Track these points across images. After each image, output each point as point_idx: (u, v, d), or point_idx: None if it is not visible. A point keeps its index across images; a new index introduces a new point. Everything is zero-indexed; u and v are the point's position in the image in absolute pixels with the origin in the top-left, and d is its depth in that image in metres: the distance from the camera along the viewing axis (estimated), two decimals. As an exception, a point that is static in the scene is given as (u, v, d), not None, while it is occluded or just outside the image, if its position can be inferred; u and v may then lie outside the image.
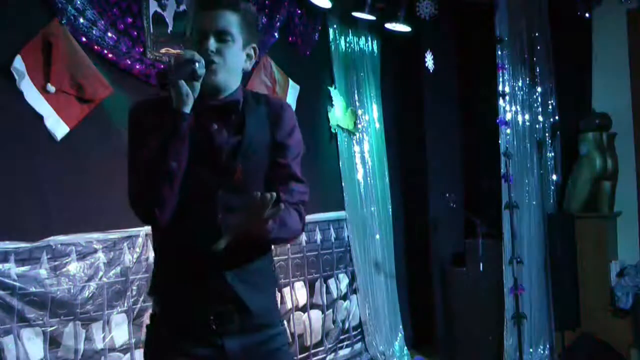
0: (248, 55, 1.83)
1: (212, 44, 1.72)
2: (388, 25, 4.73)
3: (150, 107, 1.77)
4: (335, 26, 4.74)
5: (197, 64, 1.64)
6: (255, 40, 1.84)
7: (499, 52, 4.74)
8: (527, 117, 4.78)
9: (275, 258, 4.12)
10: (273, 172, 1.82)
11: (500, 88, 4.73)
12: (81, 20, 3.06)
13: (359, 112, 4.90)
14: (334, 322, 4.57)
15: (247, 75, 3.94)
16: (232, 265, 1.74)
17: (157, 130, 1.67)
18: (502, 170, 4.58)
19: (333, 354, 4.54)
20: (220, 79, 1.74)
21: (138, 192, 1.69)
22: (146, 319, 3.28)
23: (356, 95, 4.89)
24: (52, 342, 2.88)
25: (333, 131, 4.69)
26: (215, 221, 1.70)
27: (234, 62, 1.77)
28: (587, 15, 4.73)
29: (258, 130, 1.80)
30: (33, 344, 2.81)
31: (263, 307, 1.81)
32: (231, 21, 1.74)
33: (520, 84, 4.78)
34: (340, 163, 4.73)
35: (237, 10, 1.75)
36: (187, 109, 1.65)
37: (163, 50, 3.48)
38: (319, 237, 4.51)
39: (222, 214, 1.71)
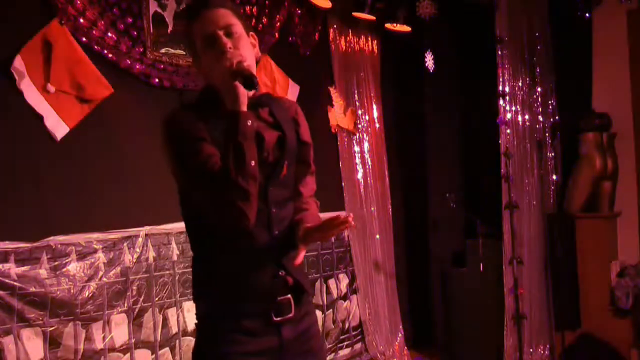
0: (252, 44, 1.87)
1: (226, 41, 1.74)
2: (388, 25, 4.73)
3: (187, 118, 1.75)
4: (335, 26, 4.74)
5: (245, 63, 1.70)
6: (251, 28, 1.89)
7: (499, 52, 4.74)
8: (527, 117, 4.77)
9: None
10: (299, 170, 1.94)
11: (500, 88, 4.73)
12: (81, 20, 3.06)
13: (359, 112, 4.90)
14: (334, 322, 4.57)
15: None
16: (285, 255, 1.82)
17: (204, 139, 1.68)
18: (502, 170, 4.58)
19: (333, 354, 4.54)
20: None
21: (225, 202, 1.64)
22: (146, 319, 3.29)
23: (356, 95, 4.89)
24: (52, 342, 2.88)
25: (333, 131, 4.69)
26: (271, 216, 1.77)
27: (250, 52, 1.82)
28: (587, 15, 4.73)
29: (289, 127, 1.89)
30: (33, 344, 2.81)
31: (311, 292, 1.94)
32: (229, 15, 1.77)
33: (520, 84, 4.78)
34: (340, 163, 4.73)
35: (226, 6, 1.79)
36: (245, 108, 1.68)
37: (163, 50, 3.48)
38: (319, 237, 4.50)
39: (275, 209, 1.79)
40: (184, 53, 3.57)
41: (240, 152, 1.63)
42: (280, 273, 1.79)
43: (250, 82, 1.67)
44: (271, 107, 1.88)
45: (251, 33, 1.87)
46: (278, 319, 1.77)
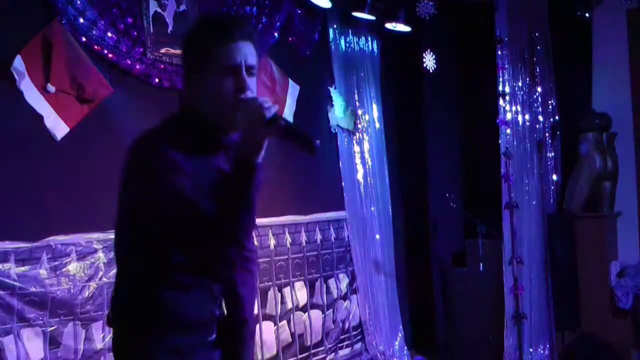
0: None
1: (247, 80, 1.62)
2: (388, 25, 4.73)
3: (173, 150, 1.56)
4: (335, 26, 4.73)
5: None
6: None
7: (499, 52, 4.74)
8: (527, 117, 4.78)
9: (275, 258, 4.13)
10: None
11: (500, 88, 4.73)
12: (81, 20, 3.06)
13: (359, 112, 4.90)
14: (334, 322, 4.57)
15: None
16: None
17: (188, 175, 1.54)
18: (502, 170, 4.58)
19: (333, 354, 4.54)
20: None
21: (221, 252, 1.57)
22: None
23: (356, 95, 4.89)
24: (52, 342, 2.88)
25: (333, 131, 4.69)
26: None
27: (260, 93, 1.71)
28: (587, 15, 4.73)
29: None
30: (33, 344, 2.81)
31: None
32: (254, 54, 1.66)
33: (520, 84, 4.78)
34: (340, 163, 4.73)
35: (254, 43, 1.67)
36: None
37: (163, 50, 3.48)
38: (319, 237, 4.51)
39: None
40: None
41: (249, 210, 1.52)
42: (216, 312, 1.74)
43: (313, 148, 1.51)
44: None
45: None
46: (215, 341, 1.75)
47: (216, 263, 1.56)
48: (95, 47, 3.16)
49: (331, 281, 4.60)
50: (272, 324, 4.06)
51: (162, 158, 1.54)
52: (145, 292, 1.66)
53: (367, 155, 4.92)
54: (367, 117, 4.95)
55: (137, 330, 1.68)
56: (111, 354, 3.08)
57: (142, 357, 1.67)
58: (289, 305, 4.20)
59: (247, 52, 1.62)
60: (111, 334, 3.08)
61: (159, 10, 3.47)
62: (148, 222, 1.60)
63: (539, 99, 4.82)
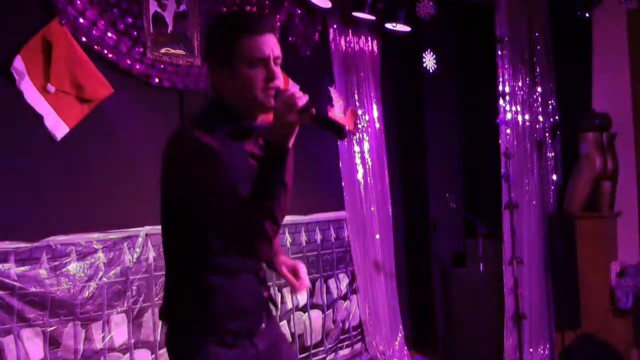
0: None
1: (276, 70, 1.73)
2: (388, 25, 4.73)
3: (209, 137, 1.66)
4: (335, 26, 4.74)
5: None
6: None
7: (499, 52, 4.74)
8: (527, 117, 4.78)
9: (275, 258, 4.13)
10: None
11: (500, 88, 4.73)
12: (81, 20, 3.06)
13: (359, 112, 4.90)
14: (334, 322, 4.57)
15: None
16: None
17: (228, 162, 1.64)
18: (502, 170, 4.58)
19: (333, 354, 4.54)
20: None
21: (257, 234, 1.62)
22: (146, 319, 3.29)
23: (356, 95, 4.89)
24: (52, 342, 2.88)
25: (333, 131, 4.69)
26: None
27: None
28: (587, 15, 4.73)
29: None
30: (33, 344, 2.81)
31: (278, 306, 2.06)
32: (278, 45, 1.76)
33: (520, 84, 4.78)
34: (340, 163, 4.73)
35: (276, 35, 1.78)
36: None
37: (163, 50, 3.48)
38: (319, 237, 4.51)
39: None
40: (184, 53, 3.57)
41: (284, 190, 1.62)
42: (264, 294, 1.89)
43: (342, 133, 1.65)
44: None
45: None
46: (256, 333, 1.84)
47: (256, 242, 1.63)
48: (95, 47, 3.16)
49: (331, 281, 4.60)
50: (272, 324, 4.06)
51: (200, 145, 1.65)
52: (192, 279, 1.76)
53: (367, 155, 4.92)
54: (367, 117, 4.95)
55: (185, 320, 1.77)
56: (111, 353, 3.12)
57: (190, 348, 1.75)
58: (289, 305, 4.20)
59: (273, 44, 1.74)
60: (112, 334, 3.11)
61: (159, 10, 3.47)
62: (190, 209, 1.70)
63: (539, 99, 4.82)
